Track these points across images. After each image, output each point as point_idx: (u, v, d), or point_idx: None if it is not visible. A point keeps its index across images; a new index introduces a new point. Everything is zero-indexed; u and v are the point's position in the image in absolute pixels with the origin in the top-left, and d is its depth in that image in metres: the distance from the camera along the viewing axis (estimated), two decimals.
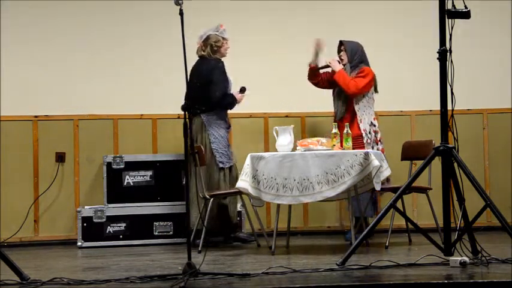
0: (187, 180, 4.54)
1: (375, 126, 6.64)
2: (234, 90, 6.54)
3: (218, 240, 6.55)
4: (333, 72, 6.60)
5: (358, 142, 6.51)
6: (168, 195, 6.85)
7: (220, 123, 6.47)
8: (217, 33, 6.51)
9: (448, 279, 4.03)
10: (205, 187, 6.17)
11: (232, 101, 6.50)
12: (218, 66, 6.45)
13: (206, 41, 6.51)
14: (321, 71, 6.66)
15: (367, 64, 6.66)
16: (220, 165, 6.35)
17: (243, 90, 6.57)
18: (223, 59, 6.53)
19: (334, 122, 6.46)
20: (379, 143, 6.65)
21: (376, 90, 6.70)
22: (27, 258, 5.95)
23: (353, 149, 6.03)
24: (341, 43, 6.72)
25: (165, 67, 7.20)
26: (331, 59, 6.64)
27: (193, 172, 6.24)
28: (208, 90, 6.39)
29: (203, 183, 6.16)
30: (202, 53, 6.53)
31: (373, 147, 6.53)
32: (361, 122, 6.59)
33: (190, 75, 6.35)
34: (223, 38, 6.52)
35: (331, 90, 6.78)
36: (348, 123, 6.30)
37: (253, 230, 6.45)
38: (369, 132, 6.60)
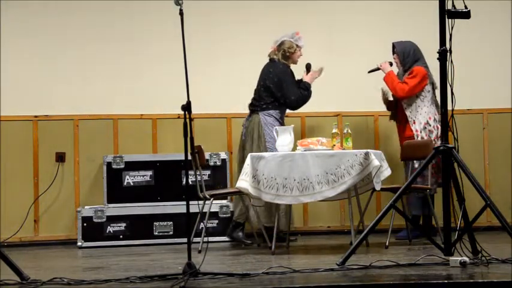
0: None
1: (430, 125, 6.57)
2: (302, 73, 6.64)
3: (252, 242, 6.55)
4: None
5: None
6: (168, 195, 6.85)
7: (276, 125, 6.46)
8: (292, 40, 6.55)
9: (448, 279, 4.02)
10: None
11: (307, 92, 6.55)
12: (287, 71, 6.52)
13: (280, 46, 6.58)
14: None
15: (423, 62, 6.62)
16: None
17: (308, 67, 6.63)
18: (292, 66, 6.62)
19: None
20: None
21: (434, 87, 6.63)
22: (27, 258, 5.96)
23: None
24: (393, 45, 6.72)
25: (165, 67, 7.20)
26: (382, 62, 6.68)
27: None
28: (281, 95, 6.46)
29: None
30: (274, 56, 6.60)
31: None
32: (414, 123, 6.58)
33: (259, 76, 6.59)
34: (297, 46, 6.57)
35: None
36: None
37: (253, 230, 6.46)
38: (421, 132, 6.54)
